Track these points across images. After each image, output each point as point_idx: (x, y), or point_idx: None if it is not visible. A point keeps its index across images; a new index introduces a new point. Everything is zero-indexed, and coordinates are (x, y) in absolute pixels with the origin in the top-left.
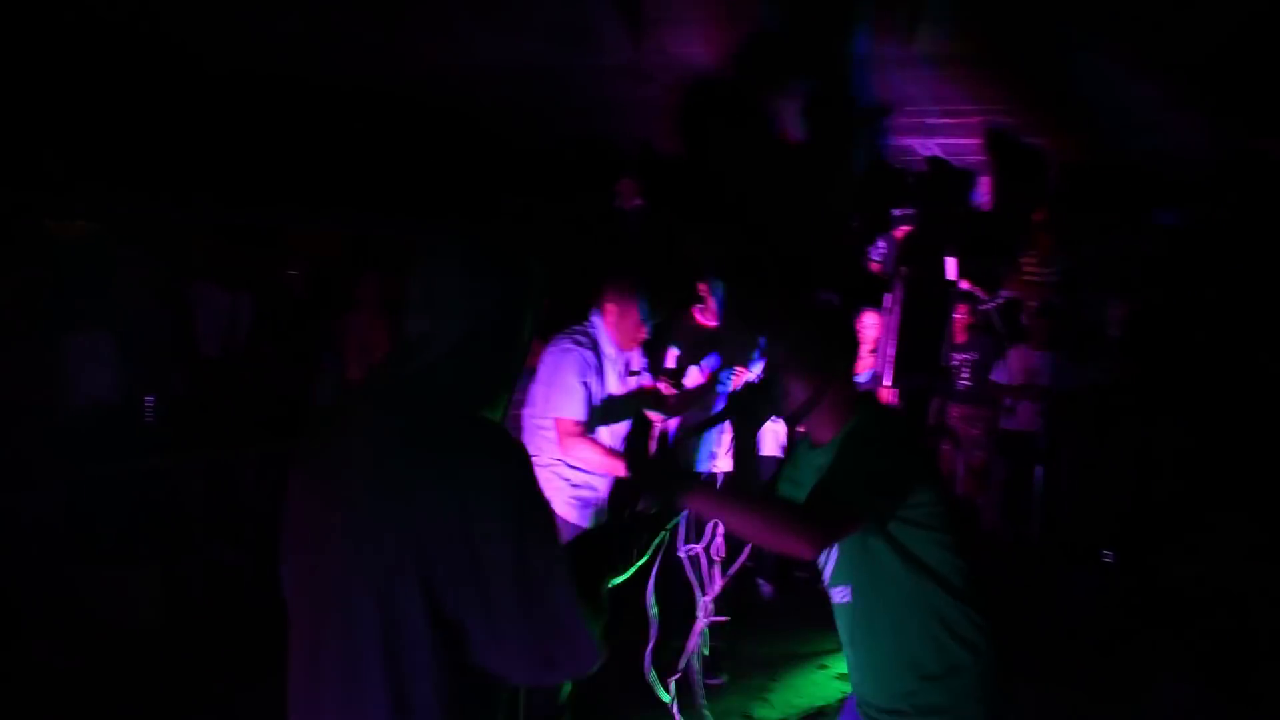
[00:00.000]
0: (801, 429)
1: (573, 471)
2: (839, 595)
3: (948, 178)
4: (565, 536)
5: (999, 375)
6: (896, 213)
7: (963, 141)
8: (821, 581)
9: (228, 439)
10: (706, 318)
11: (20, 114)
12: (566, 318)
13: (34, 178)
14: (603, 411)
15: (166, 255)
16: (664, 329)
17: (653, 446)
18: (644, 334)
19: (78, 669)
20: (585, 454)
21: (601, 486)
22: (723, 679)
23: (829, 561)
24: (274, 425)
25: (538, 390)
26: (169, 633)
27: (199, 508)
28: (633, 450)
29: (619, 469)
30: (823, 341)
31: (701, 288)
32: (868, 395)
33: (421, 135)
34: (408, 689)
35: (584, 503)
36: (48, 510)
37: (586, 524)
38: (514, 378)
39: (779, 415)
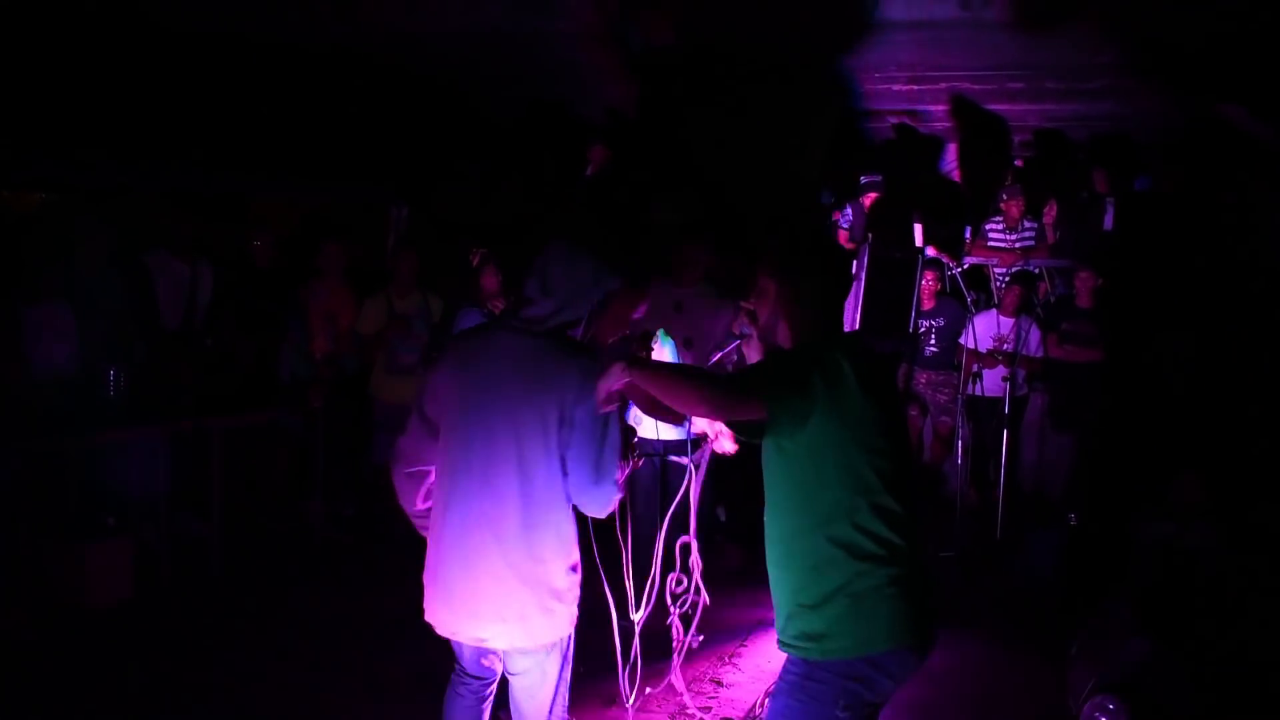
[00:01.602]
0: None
1: None
2: (766, 516)
3: (914, 144)
4: None
5: (966, 341)
6: (863, 179)
7: (929, 108)
8: None
9: (192, 410)
10: (682, 285)
11: None
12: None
13: None
14: None
15: (125, 226)
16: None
17: None
18: (625, 327)
19: (42, 644)
20: None
21: None
22: (700, 638)
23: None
24: (238, 396)
25: None
26: (136, 606)
27: (164, 480)
28: None
29: None
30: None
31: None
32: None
33: (382, 101)
34: (527, 477)
35: None
36: (10, 484)
37: None
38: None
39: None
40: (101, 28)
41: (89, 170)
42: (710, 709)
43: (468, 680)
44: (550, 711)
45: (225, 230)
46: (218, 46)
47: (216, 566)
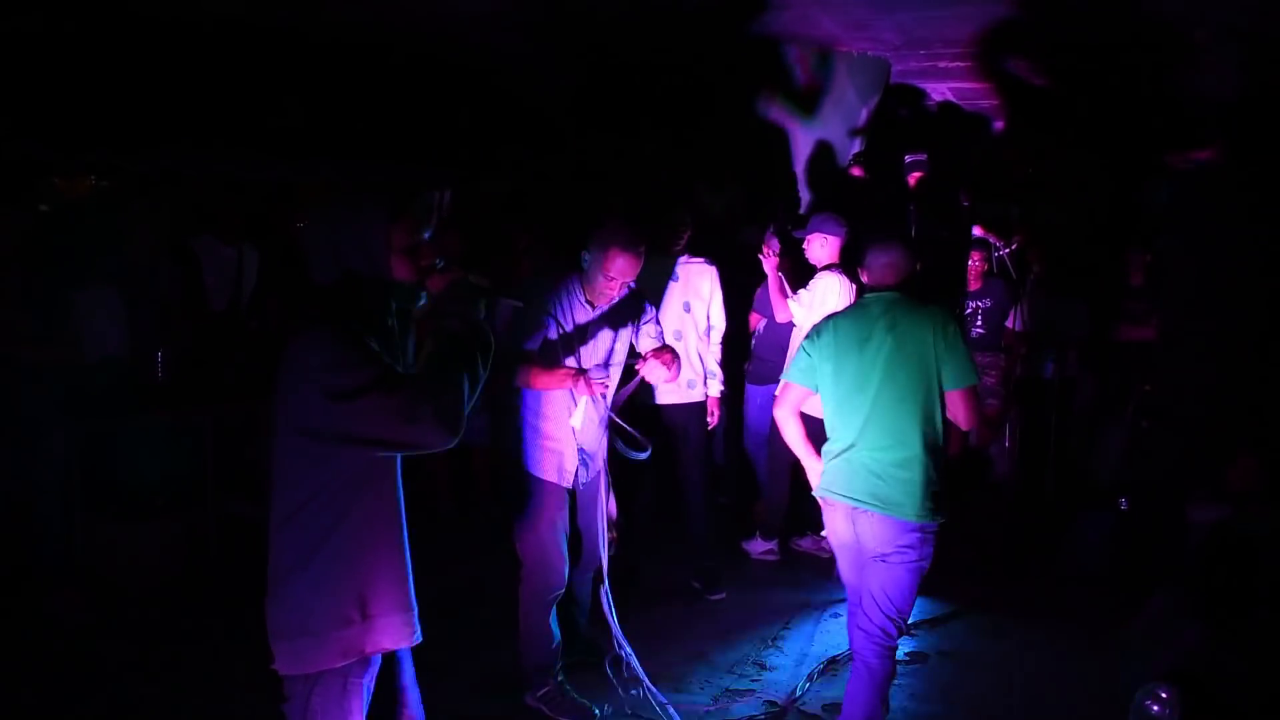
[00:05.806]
0: None
1: (543, 424)
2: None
3: (959, 122)
4: (535, 491)
5: (1014, 323)
6: (908, 158)
7: (975, 85)
8: None
9: (238, 393)
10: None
11: (22, 70)
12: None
13: (39, 133)
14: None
15: (173, 212)
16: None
17: None
18: (612, 290)
19: (90, 624)
20: (529, 379)
21: (569, 446)
22: (723, 594)
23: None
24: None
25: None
26: (184, 587)
27: (211, 462)
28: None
29: (558, 381)
30: None
31: None
32: None
33: (423, 86)
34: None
35: (553, 453)
36: (62, 465)
37: (558, 479)
38: None
39: None
40: (151, 16)
41: (138, 156)
42: (753, 691)
43: None
44: None
45: (270, 215)
46: (263, 34)
47: (264, 548)
